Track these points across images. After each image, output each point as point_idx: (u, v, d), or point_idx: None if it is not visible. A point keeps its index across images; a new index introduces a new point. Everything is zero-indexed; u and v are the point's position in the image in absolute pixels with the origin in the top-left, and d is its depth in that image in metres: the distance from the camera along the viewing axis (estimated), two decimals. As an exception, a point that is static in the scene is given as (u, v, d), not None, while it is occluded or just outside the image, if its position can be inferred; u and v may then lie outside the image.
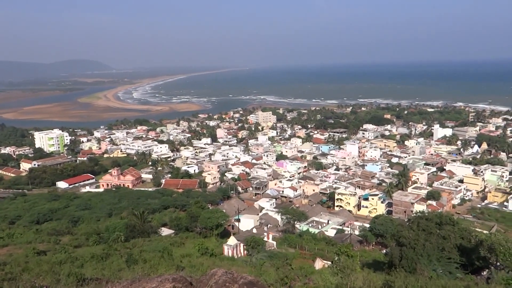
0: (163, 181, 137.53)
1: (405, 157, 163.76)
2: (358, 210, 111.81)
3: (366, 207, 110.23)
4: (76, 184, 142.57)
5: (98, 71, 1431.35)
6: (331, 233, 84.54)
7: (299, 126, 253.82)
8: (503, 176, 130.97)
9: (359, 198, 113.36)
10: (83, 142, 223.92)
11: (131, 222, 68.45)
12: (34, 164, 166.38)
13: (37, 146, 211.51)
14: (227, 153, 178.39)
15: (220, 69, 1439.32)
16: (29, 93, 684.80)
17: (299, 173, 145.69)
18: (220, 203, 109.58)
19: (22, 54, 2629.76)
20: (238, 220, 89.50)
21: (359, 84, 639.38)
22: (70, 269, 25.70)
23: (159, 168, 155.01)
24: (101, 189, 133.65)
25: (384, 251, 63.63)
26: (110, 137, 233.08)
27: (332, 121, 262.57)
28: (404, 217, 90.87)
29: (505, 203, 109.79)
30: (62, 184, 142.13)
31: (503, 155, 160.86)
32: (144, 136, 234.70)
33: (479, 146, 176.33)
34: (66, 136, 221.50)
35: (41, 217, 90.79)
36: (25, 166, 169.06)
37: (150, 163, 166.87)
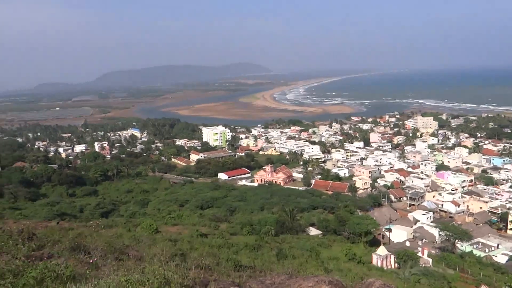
0: (313, 181, 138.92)
1: None
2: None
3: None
4: (234, 177, 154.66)
5: (258, 73, 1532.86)
6: (501, 259, 72.89)
7: (466, 135, 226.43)
8: None
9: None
10: (241, 138, 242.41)
11: (281, 218, 70.90)
12: (201, 156, 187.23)
13: (204, 140, 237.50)
14: (380, 159, 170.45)
15: (376, 71, 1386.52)
16: (200, 93, 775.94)
17: (463, 187, 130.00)
18: (370, 210, 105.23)
19: (196, 58, 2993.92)
20: (389, 230, 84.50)
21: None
22: (228, 254, 27.66)
23: (309, 169, 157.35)
24: (255, 184, 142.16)
25: None
26: (265, 135, 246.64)
27: (510, 131, 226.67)
28: None
29: None
30: (222, 176, 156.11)
31: None
32: (296, 136, 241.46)
33: None
34: (228, 133, 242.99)
35: (204, 204, 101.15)
36: (193, 157, 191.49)
37: (301, 162, 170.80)
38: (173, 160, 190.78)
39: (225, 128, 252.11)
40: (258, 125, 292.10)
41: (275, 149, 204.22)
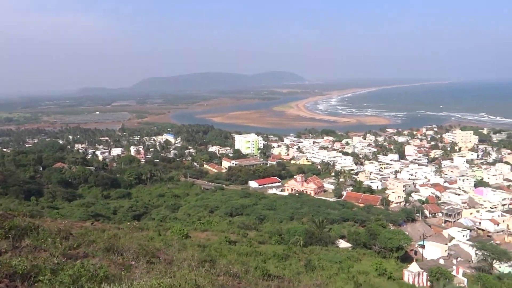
0: (344, 193, 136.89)
1: None
2: None
3: None
4: (265, 185, 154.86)
5: (293, 82, 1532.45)
6: (543, 283, 68.93)
7: (508, 150, 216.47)
8: None
9: None
10: (273, 147, 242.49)
11: (310, 228, 70.15)
12: (232, 163, 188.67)
13: (236, 147, 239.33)
14: (416, 173, 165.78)
15: (414, 82, 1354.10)
16: (234, 100, 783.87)
17: (503, 205, 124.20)
18: (403, 225, 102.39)
19: (231, 66, 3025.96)
20: (423, 246, 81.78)
21: None
22: (257, 262, 27.74)
23: (341, 180, 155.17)
24: (285, 193, 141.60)
25: None
26: (297, 144, 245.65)
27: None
28: None
29: None
30: (253, 184, 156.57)
31: None
32: (329, 146, 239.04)
33: None
34: (260, 141, 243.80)
35: (234, 211, 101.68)
36: (225, 164, 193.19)
37: (333, 173, 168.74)
38: (205, 166, 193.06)
39: (257, 136, 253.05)
40: (291, 134, 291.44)
41: (306, 159, 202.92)
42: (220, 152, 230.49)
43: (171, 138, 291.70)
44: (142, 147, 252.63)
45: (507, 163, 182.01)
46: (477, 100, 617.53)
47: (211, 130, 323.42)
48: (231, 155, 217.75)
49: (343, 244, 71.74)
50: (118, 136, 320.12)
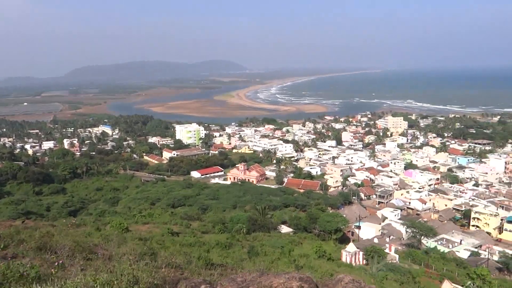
0: (285, 179, 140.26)
1: None
2: (500, 234, 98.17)
3: (510, 231, 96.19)
4: (207, 175, 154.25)
5: (233, 71, 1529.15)
6: (463, 254, 75.93)
7: (434, 135, 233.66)
8: None
9: (501, 220, 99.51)
10: (215, 136, 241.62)
11: (253, 216, 71.38)
12: (174, 154, 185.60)
13: (177, 137, 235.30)
14: (352, 158, 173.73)
15: (350, 71, 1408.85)
16: (174, 90, 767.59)
17: (430, 185, 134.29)
18: (341, 208, 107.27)
19: (170, 55, 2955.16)
20: (359, 227, 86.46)
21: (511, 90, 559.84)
22: (200, 252, 27.79)
23: (282, 167, 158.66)
24: (228, 182, 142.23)
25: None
26: (239, 133, 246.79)
27: (474, 131, 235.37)
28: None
29: None
30: (195, 174, 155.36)
31: None
32: (270, 134, 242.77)
33: None
34: (202, 130, 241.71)
35: (176, 202, 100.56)
36: (166, 154, 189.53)
37: (274, 161, 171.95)
38: (145, 158, 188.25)
39: (199, 126, 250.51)
40: (232, 123, 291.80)
41: (248, 148, 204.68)
42: (161, 143, 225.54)
43: (108, 130, 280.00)
44: (76, 139, 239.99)
45: (432, 146, 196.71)
46: (406, 88, 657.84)
47: (150, 120, 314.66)
48: (172, 145, 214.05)
49: (285, 229, 73.82)
50: (49, 129, 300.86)
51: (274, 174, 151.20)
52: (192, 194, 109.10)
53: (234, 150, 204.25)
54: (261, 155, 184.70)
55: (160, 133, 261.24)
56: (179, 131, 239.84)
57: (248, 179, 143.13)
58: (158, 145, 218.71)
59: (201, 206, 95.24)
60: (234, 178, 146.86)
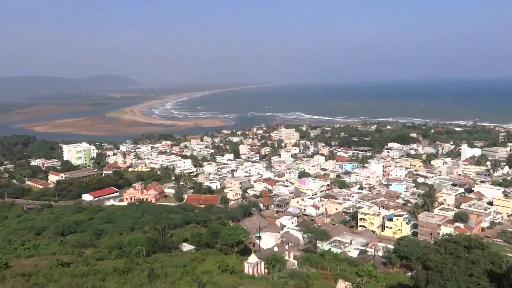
0: (185, 196, 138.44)
1: (432, 177, 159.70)
2: (382, 231, 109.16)
3: (391, 228, 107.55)
4: (101, 197, 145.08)
5: (126, 87, 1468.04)
6: (354, 253, 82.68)
7: (323, 144, 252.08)
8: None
9: (383, 218, 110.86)
10: (109, 156, 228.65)
11: (153, 236, 68.93)
12: (62, 177, 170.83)
13: (65, 159, 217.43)
14: (250, 170, 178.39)
15: (246, 85, 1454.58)
16: (61, 107, 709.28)
17: (321, 191, 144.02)
18: (241, 220, 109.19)
19: (56, 69, 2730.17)
20: (259, 238, 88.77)
21: (384, 102, 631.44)
22: (94, 282, 25.95)
23: (181, 183, 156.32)
24: (124, 203, 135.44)
25: (409, 274, 61.66)
26: (135, 151, 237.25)
27: (356, 139, 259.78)
28: (430, 240, 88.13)
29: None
30: (87, 197, 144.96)
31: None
32: (168, 151, 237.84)
33: (510, 167, 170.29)
34: (93, 150, 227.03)
35: (66, 229, 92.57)
36: (52, 178, 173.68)
37: (173, 178, 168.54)
38: (28, 183, 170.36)
39: (89, 145, 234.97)
40: (127, 141, 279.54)
41: (145, 165, 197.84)
42: (46, 165, 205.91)
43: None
44: None
45: (322, 154, 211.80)
46: (295, 101, 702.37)
47: (33, 141, 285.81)
48: (60, 167, 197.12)
49: (187, 247, 72.53)
50: None
51: (173, 191, 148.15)
52: (84, 219, 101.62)
53: (130, 169, 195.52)
54: (159, 172, 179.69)
55: (45, 154, 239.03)
56: (67, 152, 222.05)
57: (146, 199, 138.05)
58: (43, 168, 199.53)
59: (95, 231, 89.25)
60: (131, 198, 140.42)
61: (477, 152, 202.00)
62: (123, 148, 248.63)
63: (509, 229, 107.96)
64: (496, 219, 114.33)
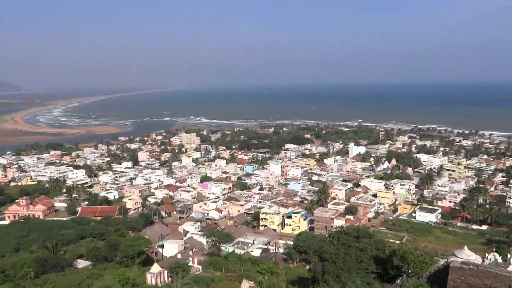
0: (79, 209, 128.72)
1: (325, 175, 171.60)
2: (283, 229, 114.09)
3: (290, 225, 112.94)
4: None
5: (5, 92, 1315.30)
6: (256, 253, 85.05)
7: (224, 147, 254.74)
8: (410, 189, 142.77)
9: (283, 216, 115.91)
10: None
11: (42, 256, 62.92)
12: None
13: None
14: (150, 177, 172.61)
15: (141, 91, 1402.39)
16: None
17: (224, 195, 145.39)
18: (143, 229, 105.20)
19: None
20: (162, 246, 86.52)
21: (281, 106, 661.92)
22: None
23: (74, 196, 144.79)
24: (6, 221, 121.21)
25: (308, 267, 65.41)
26: (18, 163, 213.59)
27: (256, 142, 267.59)
28: (325, 233, 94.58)
29: (413, 214, 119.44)
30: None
31: (409, 170, 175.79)
32: (57, 161, 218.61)
33: (389, 162, 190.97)
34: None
35: None
36: None
37: (64, 190, 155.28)
38: None
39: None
40: (8, 152, 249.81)
41: (31, 178, 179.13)
42: None
43: None
44: None
45: (223, 158, 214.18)
46: (195, 106, 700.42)
47: None
48: None
49: (82, 263, 67.75)
50: None
51: (65, 204, 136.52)
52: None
53: (13, 183, 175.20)
54: (47, 185, 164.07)
55: None
56: None
57: (33, 215, 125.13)
58: None
59: (-30, 257, 78.08)
60: (15, 216, 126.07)
61: (362, 150, 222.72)
62: (3, 160, 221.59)
63: (390, 218, 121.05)
64: (379, 210, 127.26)
